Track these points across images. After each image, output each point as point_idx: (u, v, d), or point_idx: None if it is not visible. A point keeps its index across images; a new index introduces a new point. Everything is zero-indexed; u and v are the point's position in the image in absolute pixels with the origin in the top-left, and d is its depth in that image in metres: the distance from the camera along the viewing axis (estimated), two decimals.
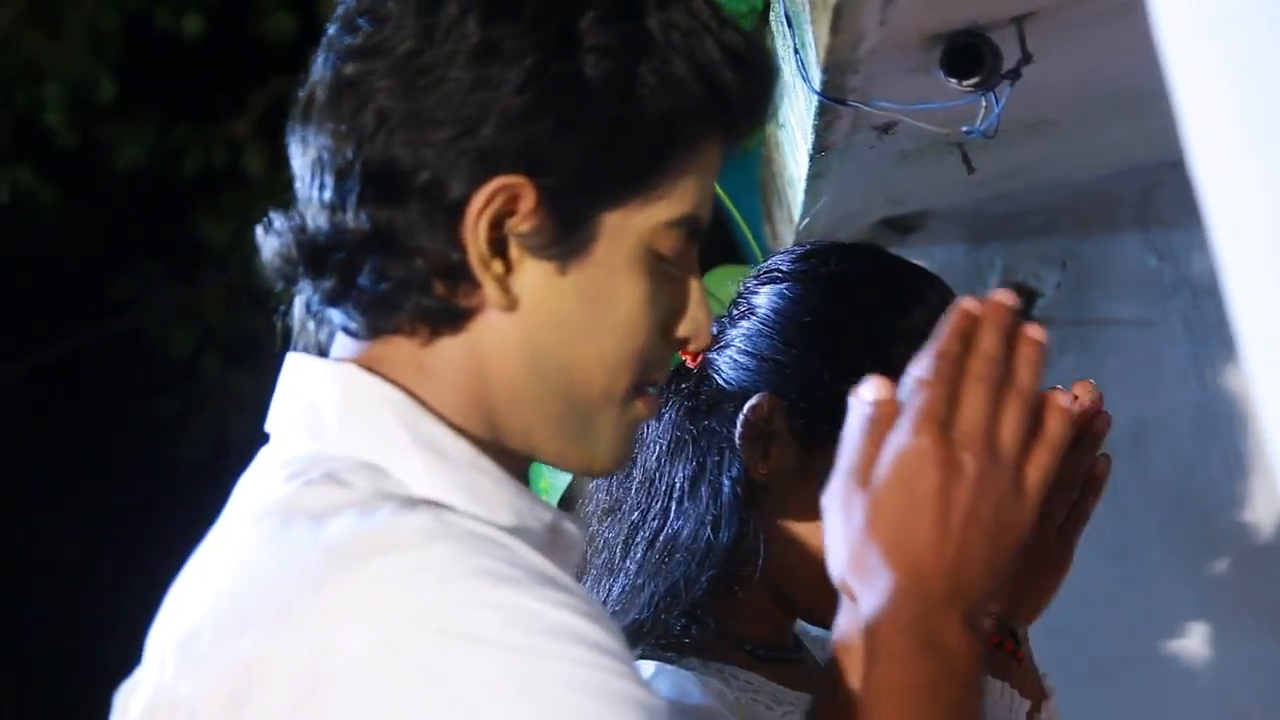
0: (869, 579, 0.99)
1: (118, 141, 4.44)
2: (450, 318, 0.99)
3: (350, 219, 0.98)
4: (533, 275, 0.99)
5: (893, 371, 1.01)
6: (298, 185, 1.02)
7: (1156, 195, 2.11)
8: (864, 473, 0.99)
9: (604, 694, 0.89)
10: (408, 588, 0.90)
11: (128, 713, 0.99)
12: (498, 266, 0.98)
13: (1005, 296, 1.01)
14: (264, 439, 1.05)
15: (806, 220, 1.78)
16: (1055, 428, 1.00)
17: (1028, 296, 2.13)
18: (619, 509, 1.34)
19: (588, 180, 0.98)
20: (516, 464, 1.04)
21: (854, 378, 1.04)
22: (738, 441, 1.29)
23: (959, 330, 1.00)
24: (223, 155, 4.42)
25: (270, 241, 1.03)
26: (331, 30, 1.01)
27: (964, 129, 1.32)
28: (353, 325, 1.01)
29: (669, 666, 1.28)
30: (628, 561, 1.32)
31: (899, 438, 0.98)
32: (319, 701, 0.89)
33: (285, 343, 1.07)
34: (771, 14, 1.54)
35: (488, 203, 0.96)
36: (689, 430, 1.33)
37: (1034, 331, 1.00)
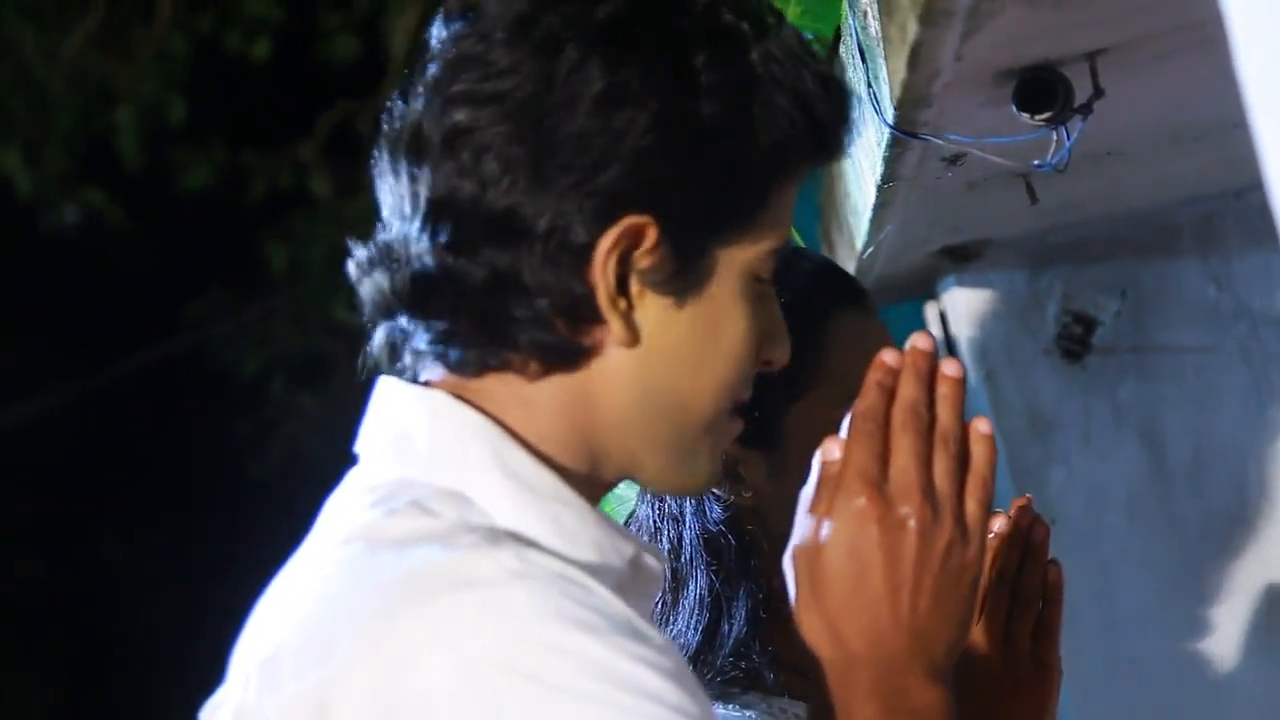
0: (825, 649, 1.01)
1: (186, 164, 4.51)
2: (567, 354, 1.01)
3: (467, 262, 1.00)
4: (651, 310, 1.02)
5: None
6: (395, 222, 1.03)
7: (1217, 224, 2.13)
8: (812, 539, 1.02)
9: None
10: (486, 624, 0.91)
11: None
12: (622, 303, 1.01)
13: (922, 341, 1.05)
14: (346, 460, 1.07)
15: (871, 249, 1.81)
16: (982, 455, 1.04)
17: (1087, 324, 2.15)
18: None
19: (706, 217, 1.01)
20: (599, 493, 1.06)
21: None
22: None
23: (880, 386, 1.03)
24: (288, 178, 4.48)
25: (368, 282, 1.04)
26: (435, 70, 1.02)
27: (1035, 163, 1.35)
28: (460, 362, 1.03)
29: (735, 714, 1.32)
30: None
31: (838, 501, 1.01)
32: None
33: (358, 367, 1.09)
34: (842, 46, 1.57)
35: (616, 243, 0.99)
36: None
37: (950, 369, 1.04)
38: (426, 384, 1.05)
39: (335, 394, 4.49)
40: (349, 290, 1.08)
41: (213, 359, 4.64)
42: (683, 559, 1.38)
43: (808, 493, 1.04)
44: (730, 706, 1.34)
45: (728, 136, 1.01)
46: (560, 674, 0.90)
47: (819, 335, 1.42)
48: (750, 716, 1.33)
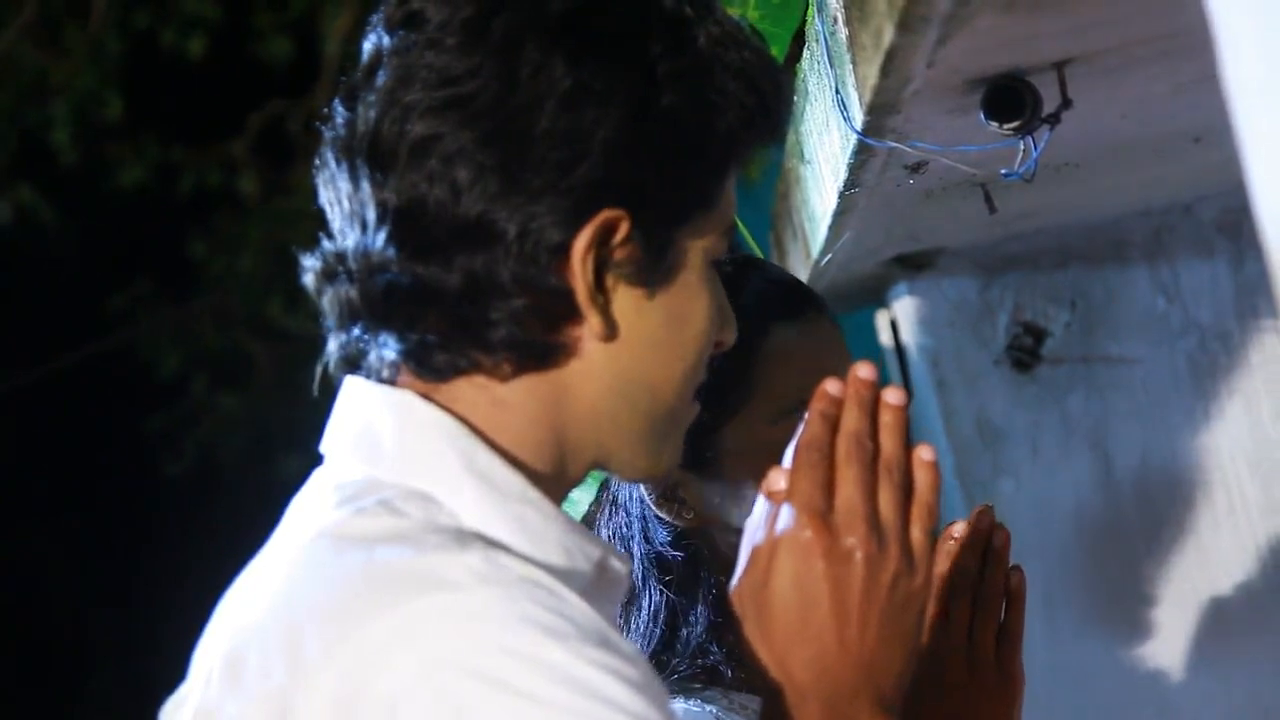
0: (774, 680, 1.01)
1: (120, 161, 4.46)
2: (543, 353, 1.00)
3: (439, 270, 0.99)
4: (623, 302, 1.01)
5: None
6: (350, 231, 1.01)
7: (1166, 238, 2.14)
8: (757, 571, 1.02)
9: None
10: (452, 628, 0.90)
11: None
12: (600, 299, 1.00)
13: (864, 370, 1.04)
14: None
15: (829, 256, 1.80)
16: (926, 483, 1.03)
17: (1037, 335, 2.15)
18: None
19: (673, 206, 1.01)
20: (565, 493, 1.05)
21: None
22: (654, 507, 1.39)
23: (823, 415, 1.03)
24: (218, 176, 4.44)
25: (331, 293, 1.02)
26: (386, 78, 1.00)
27: (1003, 172, 1.34)
28: (432, 367, 1.01)
29: (694, 709, 1.32)
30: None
31: (783, 533, 1.00)
32: None
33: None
34: (806, 51, 1.56)
35: (592, 239, 0.98)
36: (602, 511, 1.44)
37: (892, 397, 1.04)
38: (393, 384, 1.04)
39: (254, 395, 4.46)
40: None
41: (135, 356, 4.60)
42: (635, 574, 1.38)
43: (753, 524, 1.04)
44: (691, 701, 1.34)
45: (688, 124, 1.01)
46: (525, 680, 0.89)
47: (749, 352, 1.40)
48: (711, 711, 1.34)
